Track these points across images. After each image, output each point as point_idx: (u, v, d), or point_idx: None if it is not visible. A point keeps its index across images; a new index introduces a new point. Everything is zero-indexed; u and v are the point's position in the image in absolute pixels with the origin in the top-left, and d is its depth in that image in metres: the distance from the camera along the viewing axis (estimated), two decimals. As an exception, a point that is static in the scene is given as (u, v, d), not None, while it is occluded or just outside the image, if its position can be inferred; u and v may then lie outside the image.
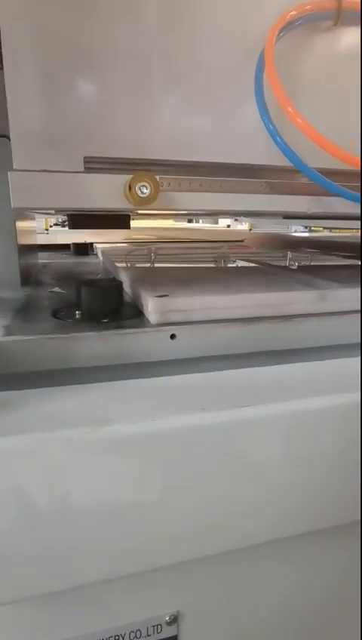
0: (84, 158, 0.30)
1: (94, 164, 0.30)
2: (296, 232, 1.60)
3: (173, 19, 0.29)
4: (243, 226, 1.93)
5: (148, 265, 0.62)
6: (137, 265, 0.61)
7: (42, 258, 0.79)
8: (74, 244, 0.87)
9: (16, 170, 0.28)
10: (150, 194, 0.29)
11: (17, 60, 0.27)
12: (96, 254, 0.86)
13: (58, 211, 0.59)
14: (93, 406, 0.21)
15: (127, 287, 0.41)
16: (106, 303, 0.34)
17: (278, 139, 0.31)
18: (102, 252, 0.74)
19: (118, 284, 0.35)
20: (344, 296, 0.37)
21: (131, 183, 0.29)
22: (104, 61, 0.29)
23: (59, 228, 1.88)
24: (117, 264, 0.54)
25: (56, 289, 0.45)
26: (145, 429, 0.19)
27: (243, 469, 0.22)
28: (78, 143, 0.29)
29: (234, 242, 1.20)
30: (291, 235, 1.43)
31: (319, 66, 0.33)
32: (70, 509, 0.19)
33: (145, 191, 0.29)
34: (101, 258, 0.76)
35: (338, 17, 0.32)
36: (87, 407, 0.21)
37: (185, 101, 0.31)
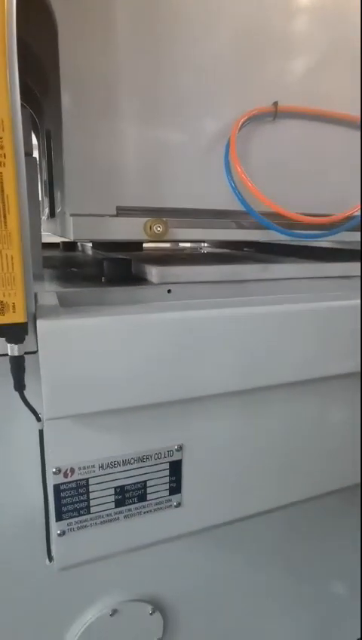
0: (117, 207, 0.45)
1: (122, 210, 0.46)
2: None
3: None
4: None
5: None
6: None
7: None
8: (63, 242, 1.02)
9: (72, 214, 0.43)
10: (162, 231, 0.46)
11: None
12: (82, 251, 1.01)
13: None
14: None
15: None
16: (123, 271, 0.50)
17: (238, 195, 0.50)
18: (92, 247, 0.89)
19: (130, 260, 0.52)
20: (280, 268, 0.55)
21: (151, 224, 0.45)
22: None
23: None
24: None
25: (74, 269, 0.61)
26: (173, 316, 0.36)
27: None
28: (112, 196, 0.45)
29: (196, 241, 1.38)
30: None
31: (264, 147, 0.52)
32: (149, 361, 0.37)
33: (159, 229, 0.46)
34: (91, 253, 0.91)
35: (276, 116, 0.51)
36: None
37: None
